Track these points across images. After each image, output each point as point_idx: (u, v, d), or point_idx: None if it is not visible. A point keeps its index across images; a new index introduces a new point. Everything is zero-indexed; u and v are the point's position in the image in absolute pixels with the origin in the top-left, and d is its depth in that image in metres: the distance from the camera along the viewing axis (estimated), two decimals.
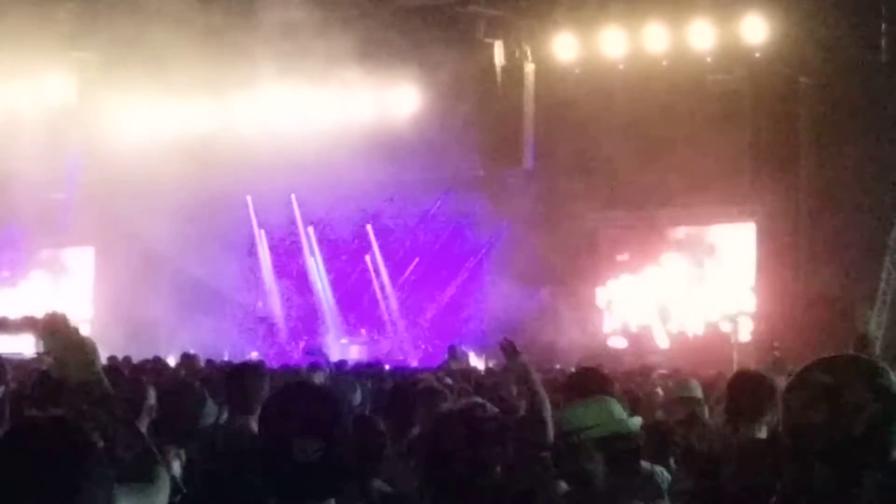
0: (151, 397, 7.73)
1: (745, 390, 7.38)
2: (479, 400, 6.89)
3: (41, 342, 3.90)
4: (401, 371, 19.30)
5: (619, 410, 5.53)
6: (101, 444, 3.46)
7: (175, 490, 4.22)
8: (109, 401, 3.86)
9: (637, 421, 5.61)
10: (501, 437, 6.42)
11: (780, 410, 3.39)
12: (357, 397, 10.33)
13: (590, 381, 7.62)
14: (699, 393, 10.98)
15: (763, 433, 7.04)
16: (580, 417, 5.47)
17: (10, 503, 3.27)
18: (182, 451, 7.42)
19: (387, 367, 20.26)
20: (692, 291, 30.66)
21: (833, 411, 3.23)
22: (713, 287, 30.53)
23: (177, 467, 7.18)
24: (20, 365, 12.41)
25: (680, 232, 31.36)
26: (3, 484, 3.29)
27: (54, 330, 3.85)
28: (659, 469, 7.15)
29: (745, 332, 29.28)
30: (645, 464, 6.79)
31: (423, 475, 5.11)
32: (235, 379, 7.99)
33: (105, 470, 3.40)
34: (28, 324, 3.74)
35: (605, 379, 7.89)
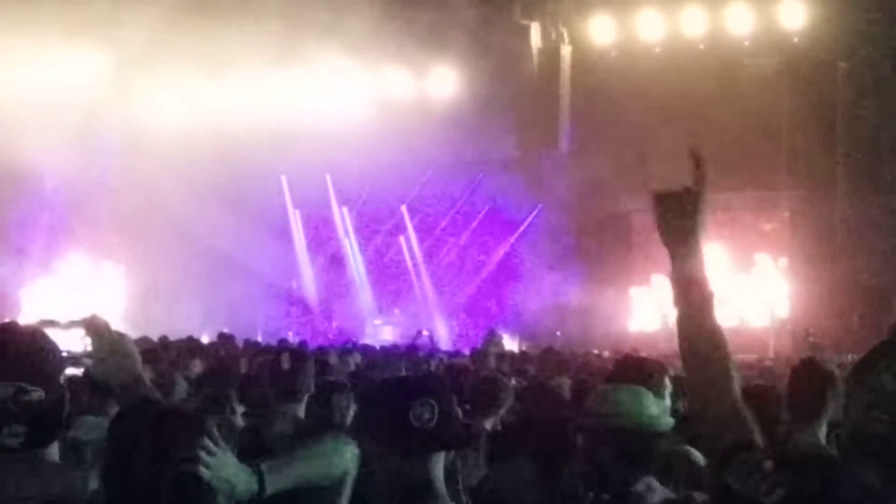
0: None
1: (810, 384, 6.55)
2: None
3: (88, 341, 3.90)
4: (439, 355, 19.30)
5: (650, 405, 5.05)
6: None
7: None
8: (149, 403, 3.88)
9: (669, 422, 5.11)
10: None
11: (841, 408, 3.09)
12: None
13: (631, 369, 6.33)
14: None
15: (823, 430, 6.44)
16: (609, 403, 5.06)
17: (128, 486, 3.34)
18: None
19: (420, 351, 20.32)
20: (727, 277, 30.55)
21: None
22: (749, 273, 30.41)
23: None
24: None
25: (714, 217, 31.14)
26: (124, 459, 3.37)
27: (96, 332, 3.87)
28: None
29: (781, 318, 29.14)
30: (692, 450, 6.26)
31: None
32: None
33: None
34: (77, 323, 3.68)
35: (657, 367, 6.57)
